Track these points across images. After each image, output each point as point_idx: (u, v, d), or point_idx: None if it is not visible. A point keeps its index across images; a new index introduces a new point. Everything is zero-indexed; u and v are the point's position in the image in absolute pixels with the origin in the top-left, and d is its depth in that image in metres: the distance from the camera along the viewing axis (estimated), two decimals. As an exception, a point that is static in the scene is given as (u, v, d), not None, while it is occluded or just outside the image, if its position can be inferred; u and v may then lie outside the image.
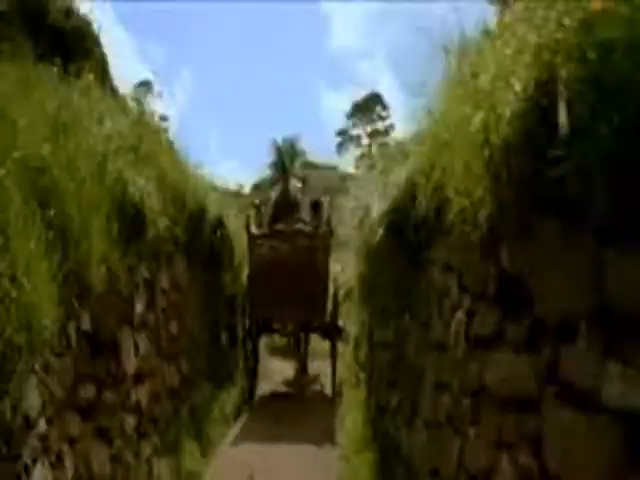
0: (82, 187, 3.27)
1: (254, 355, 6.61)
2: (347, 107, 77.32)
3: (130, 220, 4.08)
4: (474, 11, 3.33)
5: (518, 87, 2.14)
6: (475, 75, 2.74)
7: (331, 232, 7.08)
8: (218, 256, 6.84)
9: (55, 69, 4.08)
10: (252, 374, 6.60)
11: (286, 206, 7.55)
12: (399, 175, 4.44)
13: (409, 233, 4.22)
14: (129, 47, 59.36)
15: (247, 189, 62.52)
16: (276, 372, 8.18)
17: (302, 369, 7.64)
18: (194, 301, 6.25)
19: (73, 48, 7.62)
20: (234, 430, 6.45)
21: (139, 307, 4.71)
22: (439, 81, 3.46)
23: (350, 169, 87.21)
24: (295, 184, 8.14)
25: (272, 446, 6.04)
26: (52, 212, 2.91)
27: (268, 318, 6.74)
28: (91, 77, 4.58)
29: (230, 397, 6.67)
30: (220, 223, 6.76)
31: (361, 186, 6.33)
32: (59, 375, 3.04)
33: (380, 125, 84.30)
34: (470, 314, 3.17)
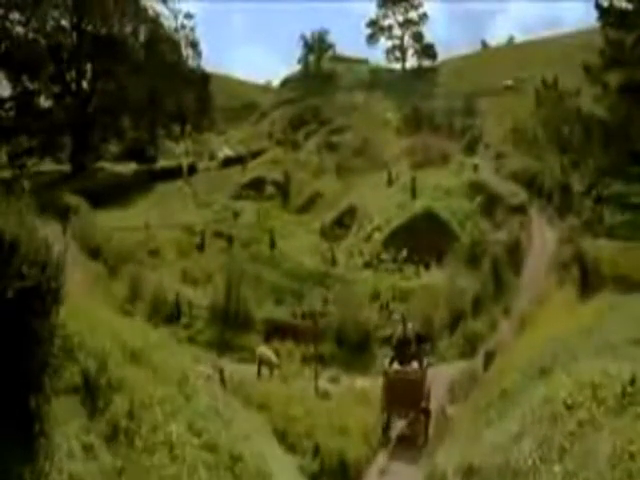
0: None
1: (387, 431, 15.27)
2: (377, -4, 72.51)
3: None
4: None
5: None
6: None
7: (424, 376, 15.45)
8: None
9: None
10: (386, 439, 15.22)
11: (404, 341, 15.74)
12: None
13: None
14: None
15: (275, 83, 60.40)
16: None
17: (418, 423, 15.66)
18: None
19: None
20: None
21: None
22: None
23: (381, 62, 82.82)
24: (409, 325, 16.52)
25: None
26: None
27: (392, 414, 15.41)
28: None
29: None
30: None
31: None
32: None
33: (413, 14, 79.33)
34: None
